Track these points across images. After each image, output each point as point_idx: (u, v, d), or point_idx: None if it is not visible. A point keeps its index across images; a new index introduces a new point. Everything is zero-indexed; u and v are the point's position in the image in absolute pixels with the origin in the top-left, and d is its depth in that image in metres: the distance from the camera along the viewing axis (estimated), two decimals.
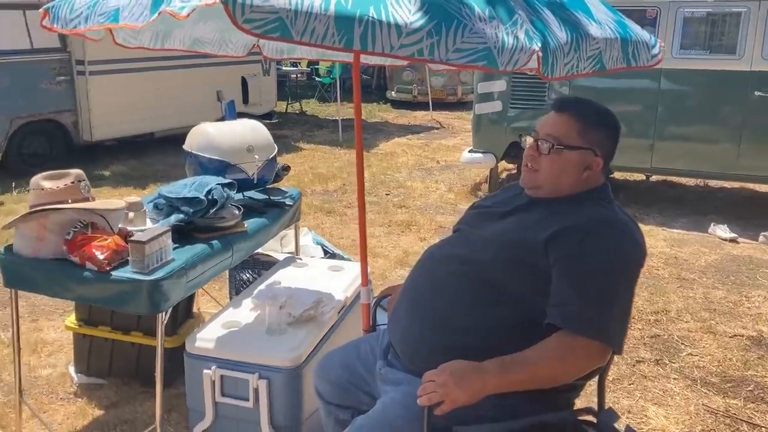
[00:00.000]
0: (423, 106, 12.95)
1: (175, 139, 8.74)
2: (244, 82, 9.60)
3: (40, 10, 2.11)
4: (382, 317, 2.50)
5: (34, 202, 2.59)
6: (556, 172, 1.87)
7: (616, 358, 2.07)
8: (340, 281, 3.10)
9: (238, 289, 4.11)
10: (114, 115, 7.91)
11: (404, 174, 8.05)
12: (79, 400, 3.16)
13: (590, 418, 1.92)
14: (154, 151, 8.59)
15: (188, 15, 1.59)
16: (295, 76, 14.01)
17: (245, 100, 9.53)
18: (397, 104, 13.63)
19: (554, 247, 1.74)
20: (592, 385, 2.03)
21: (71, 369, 3.35)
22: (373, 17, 1.54)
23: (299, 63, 14.80)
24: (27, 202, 6.37)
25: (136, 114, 8.13)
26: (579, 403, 1.96)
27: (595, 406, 2.03)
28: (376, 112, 12.98)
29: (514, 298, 1.80)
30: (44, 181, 2.59)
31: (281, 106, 12.45)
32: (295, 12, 1.53)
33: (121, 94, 7.92)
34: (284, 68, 13.24)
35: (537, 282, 1.77)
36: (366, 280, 2.62)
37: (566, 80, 5.96)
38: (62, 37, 7.44)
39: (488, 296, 1.82)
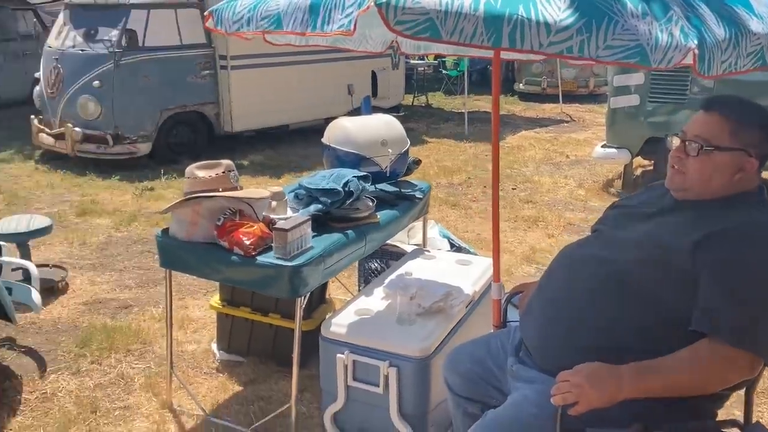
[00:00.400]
0: (552, 98, 12.64)
1: (307, 131, 9.12)
2: (373, 76, 9.79)
3: (205, 12, 2.29)
4: (513, 314, 2.50)
5: (189, 190, 2.80)
6: (705, 175, 1.80)
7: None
8: (468, 275, 3.12)
9: (366, 277, 4.23)
10: (253, 108, 8.32)
11: (531, 168, 7.91)
12: (221, 375, 3.38)
13: (735, 430, 1.84)
14: (288, 143, 8.96)
15: (355, 29, 1.67)
16: (422, 69, 14.09)
17: (374, 94, 9.70)
18: (525, 96, 13.38)
19: (704, 251, 1.67)
20: (734, 396, 1.93)
21: (214, 346, 3.59)
22: (522, 16, 1.55)
23: (426, 56, 14.85)
24: (174, 188, 6.90)
25: (272, 107, 8.50)
26: (721, 414, 1.87)
27: (739, 419, 1.93)
28: (503, 105, 12.76)
29: (656, 301, 1.75)
30: (198, 171, 2.79)
31: (407, 99, 12.57)
32: (445, 12, 1.57)
33: (259, 88, 8.30)
34: (412, 62, 13.34)
35: (682, 287, 1.71)
36: (498, 275, 2.62)
37: None
38: (208, 34, 7.90)
39: (629, 299, 1.78)
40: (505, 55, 2.52)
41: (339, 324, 2.71)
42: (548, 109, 12.38)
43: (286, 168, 7.84)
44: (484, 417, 1.94)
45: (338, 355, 2.63)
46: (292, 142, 8.98)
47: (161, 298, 4.25)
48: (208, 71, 7.99)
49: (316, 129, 9.25)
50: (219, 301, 3.45)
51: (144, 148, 7.58)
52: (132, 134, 7.45)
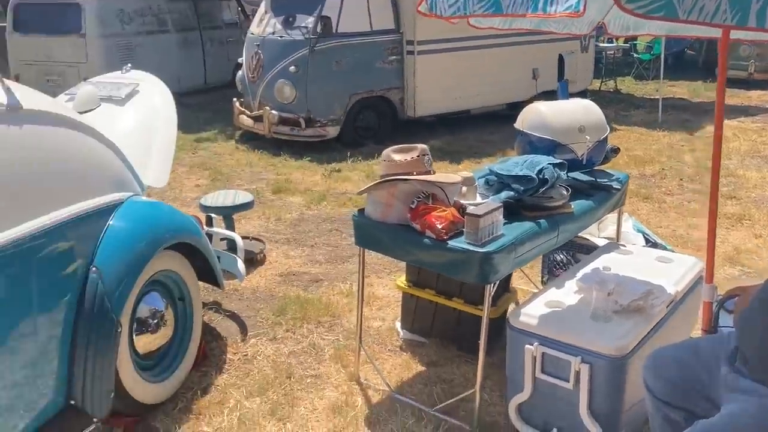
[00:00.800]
0: (760, 84, 11.47)
1: (487, 116, 9.03)
2: (560, 60, 9.44)
3: None
4: (725, 319, 2.30)
5: (385, 172, 2.87)
6: None
7: None
8: (669, 274, 2.92)
9: (550, 269, 4.11)
10: (436, 93, 8.37)
11: (735, 161, 7.22)
12: (404, 353, 3.46)
13: None
14: (467, 128, 8.92)
15: (584, 10, 1.60)
16: (611, 52, 13.37)
17: (560, 78, 9.37)
18: (728, 82, 12.19)
19: None
20: None
21: (398, 324, 3.68)
22: None
23: (615, 39, 14.09)
24: (359, 171, 7.13)
25: (455, 92, 8.50)
26: None
27: None
28: (701, 91, 11.83)
29: None
30: (394, 154, 2.85)
31: (594, 84, 12.01)
32: None
33: (443, 73, 8.34)
34: (600, 45, 12.71)
35: None
36: (711, 276, 2.42)
37: None
38: (397, 19, 8.06)
39: None
40: (738, 35, 2.28)
41: (528, 314, 2.65)
42: (755, 97, 11.23)
43: (466, 154, 7.82)
44: (694, 426, 1.80)
45: (527, 346, 2.58)
46: (472, 128, 8.93)
47: (348, 274, 4.43)
48: (395, 56, 8.14)
49: (498, 115, 9.18)
50: (405, 282, 3.52)
51: (332, 131, 7.91)
52: (322, 118, 7.81)
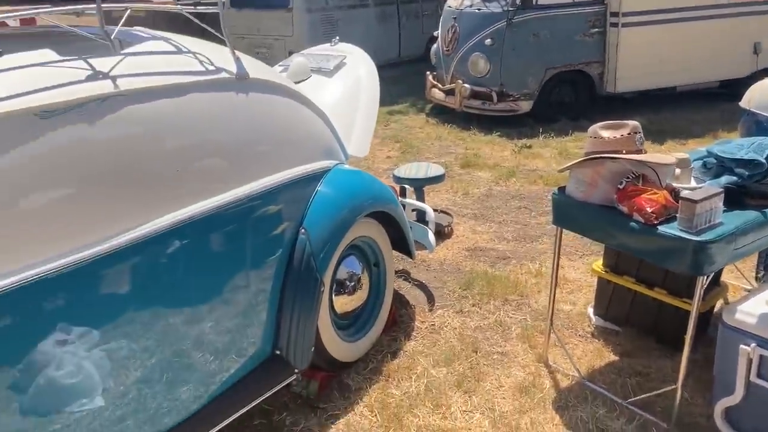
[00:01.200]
0: None
1: (695, 94, 8.31)
2: None
3: None
4: None
5: (591, 150, 2.73)
6: None
7: None
8: None
9: (766, 264, 3.73)
10: (639, 68, 7.83)
11: None
12: (596, 341, 3.32)
13: None
14: (672, 106, 8.29)
15: None
16: None
17: None
18: None
19: None
20: None
21: (590, 310, 3.54)
22: None
23: None
24: (551, 147, 6.89)
25: (660, 67, 7.90)
26: None
27: None
28: None
29: None
30: (603, 131, 2.71)
31: None
32: None
33: (648, 47, 7.77)
34: None
35: None
36: None
37: None
38: None
39: None
40: None
41: (746, 312, 2.43)
42: None
43: (670, 134, 7.27)
44: None
45: (742, 347, 2.37)
46: (676, 106, 8.28)
47: (537, 254, 4.34)
48: (597, 29, 7.72)
49: (708, 93, 8.41)
50: (601, 267, 3.37)
51: (525, 106, 7.71)
52: (515, 92, 7.64)
